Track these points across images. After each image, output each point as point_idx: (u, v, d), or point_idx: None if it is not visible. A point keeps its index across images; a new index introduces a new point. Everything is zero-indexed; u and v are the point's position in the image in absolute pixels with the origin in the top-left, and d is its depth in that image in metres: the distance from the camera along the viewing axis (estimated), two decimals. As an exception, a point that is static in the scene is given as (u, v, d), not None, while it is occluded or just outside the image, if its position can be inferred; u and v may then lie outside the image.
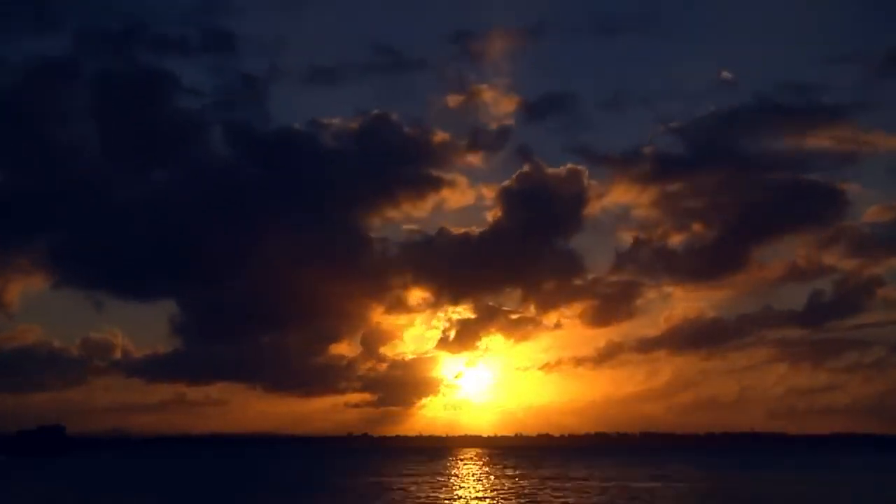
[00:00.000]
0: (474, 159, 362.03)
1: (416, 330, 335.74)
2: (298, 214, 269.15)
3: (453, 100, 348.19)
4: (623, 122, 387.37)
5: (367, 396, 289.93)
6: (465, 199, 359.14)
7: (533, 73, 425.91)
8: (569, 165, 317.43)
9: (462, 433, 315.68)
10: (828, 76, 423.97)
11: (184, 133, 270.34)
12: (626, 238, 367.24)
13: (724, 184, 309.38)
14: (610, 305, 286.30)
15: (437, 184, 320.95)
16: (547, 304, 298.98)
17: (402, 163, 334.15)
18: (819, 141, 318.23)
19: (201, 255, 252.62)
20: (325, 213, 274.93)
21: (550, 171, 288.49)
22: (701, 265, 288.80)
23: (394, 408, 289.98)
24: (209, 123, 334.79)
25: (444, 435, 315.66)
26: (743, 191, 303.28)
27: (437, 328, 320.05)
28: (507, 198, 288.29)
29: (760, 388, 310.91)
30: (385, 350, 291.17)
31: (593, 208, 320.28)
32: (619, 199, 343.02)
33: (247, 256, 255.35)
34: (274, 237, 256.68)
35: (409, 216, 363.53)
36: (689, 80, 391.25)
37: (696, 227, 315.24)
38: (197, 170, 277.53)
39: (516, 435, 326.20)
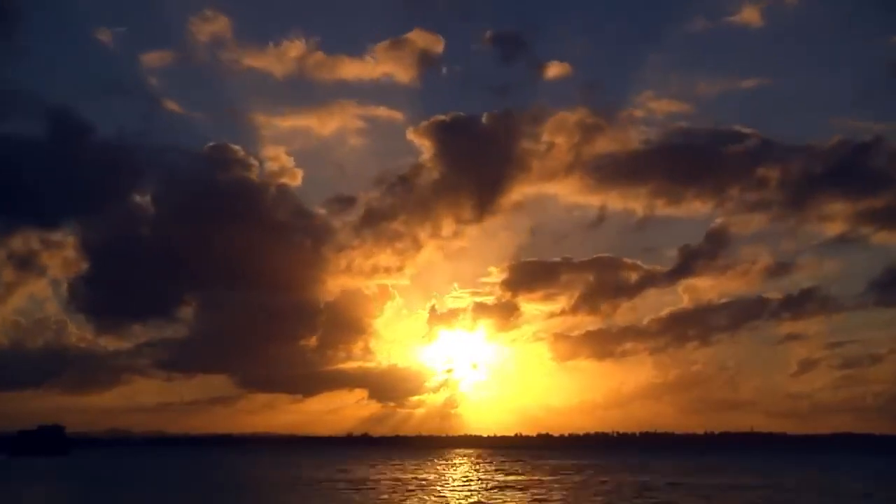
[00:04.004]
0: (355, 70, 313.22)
1: (401, 322, 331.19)
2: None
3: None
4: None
5: (361, 394, 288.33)
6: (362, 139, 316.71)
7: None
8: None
9: (462, 433, 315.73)
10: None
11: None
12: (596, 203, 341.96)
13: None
14: (595, 291, 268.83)
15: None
16: (525, 288, 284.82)
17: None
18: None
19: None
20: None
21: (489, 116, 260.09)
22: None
23: (390, 407, 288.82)
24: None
25: (444, 435, 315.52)
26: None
27: (422, 319, 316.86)
28: (438, 139, 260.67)
29: (761, 386, 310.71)
30: (371, 346, 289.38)
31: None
32: (577, 142, 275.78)
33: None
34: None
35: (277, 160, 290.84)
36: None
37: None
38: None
39: (516, 435, 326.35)
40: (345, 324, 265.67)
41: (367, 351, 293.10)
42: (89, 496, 75.21)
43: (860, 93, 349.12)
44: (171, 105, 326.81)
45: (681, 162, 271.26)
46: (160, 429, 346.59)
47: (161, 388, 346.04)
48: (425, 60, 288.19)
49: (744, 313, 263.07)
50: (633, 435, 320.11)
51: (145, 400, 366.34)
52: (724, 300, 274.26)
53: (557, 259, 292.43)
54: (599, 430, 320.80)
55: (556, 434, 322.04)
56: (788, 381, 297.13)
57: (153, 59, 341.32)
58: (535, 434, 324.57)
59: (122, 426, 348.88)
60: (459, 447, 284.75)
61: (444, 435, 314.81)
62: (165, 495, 74.73)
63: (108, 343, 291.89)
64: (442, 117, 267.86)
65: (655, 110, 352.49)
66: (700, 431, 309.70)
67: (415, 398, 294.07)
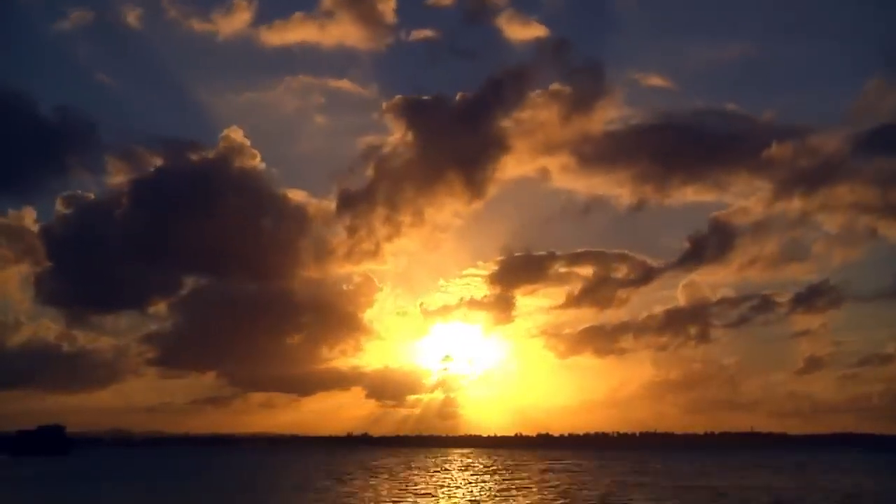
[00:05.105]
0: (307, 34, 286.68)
1: (393, 319, 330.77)
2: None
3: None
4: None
5: (358, 393, 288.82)
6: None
7: None
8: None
9: (462, 432, 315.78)
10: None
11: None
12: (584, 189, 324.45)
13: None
14: (590, 286, 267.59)
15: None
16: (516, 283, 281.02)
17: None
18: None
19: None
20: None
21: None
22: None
23: (389, 406, 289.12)
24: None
25: (444, 435, 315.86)
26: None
27: (414, 315, 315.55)
28: (407, 117, 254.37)
29: (761, 385, 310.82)
30: (363, 343, 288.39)
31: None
32: (559, 120, 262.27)
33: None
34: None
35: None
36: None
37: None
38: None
39: (516, 435, 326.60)
40: (333, 319, 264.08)
41: (358, 349, 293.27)
42: (89, 496, 75.03)
43: (876, 60, 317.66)
44: (104, 77, 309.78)
45: (676, 145, 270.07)
46: (160, 429, 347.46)
47: (156, 386, 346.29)
48: (376, 19, 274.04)
49: (746, 309, 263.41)
50: (633, 435, 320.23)
51: (141, 398, 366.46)
52: (725, 295, 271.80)
53: (544, 253, 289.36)
54: (599, 429, 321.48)
55: (555, 434, 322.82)
56: (792, 379, 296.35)
57: (78, 18, 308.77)
58: (534, 434, 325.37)
59: (122, 426, 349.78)
60: (459, 447, 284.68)
61: (444, 435, 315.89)
62: (166, 495, 74.61)
63: (88, 340, 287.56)
64: (414, 96, 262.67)
65: (640, 82, 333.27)
66: (700, 431, 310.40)
67: (413, 397, 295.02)
